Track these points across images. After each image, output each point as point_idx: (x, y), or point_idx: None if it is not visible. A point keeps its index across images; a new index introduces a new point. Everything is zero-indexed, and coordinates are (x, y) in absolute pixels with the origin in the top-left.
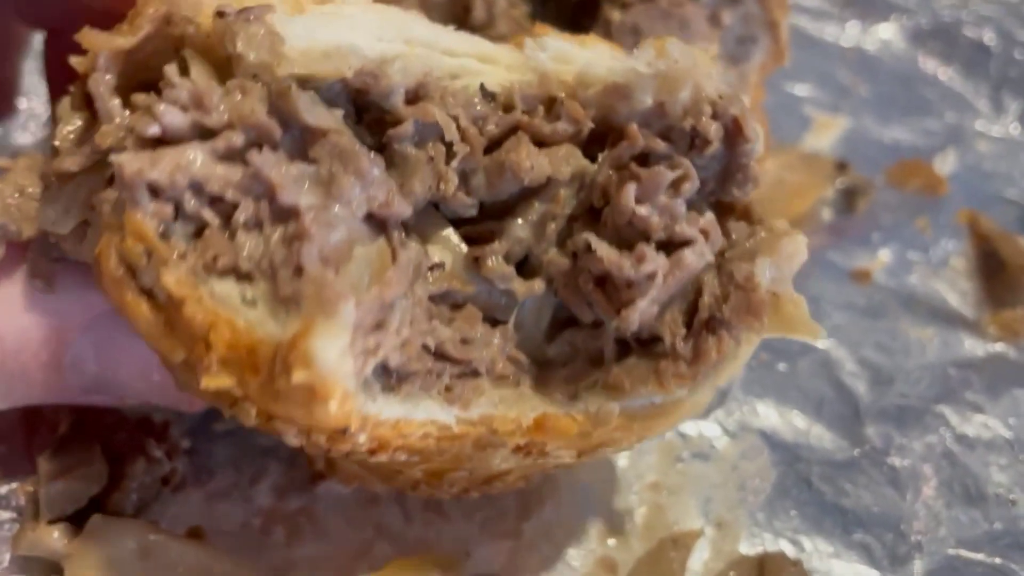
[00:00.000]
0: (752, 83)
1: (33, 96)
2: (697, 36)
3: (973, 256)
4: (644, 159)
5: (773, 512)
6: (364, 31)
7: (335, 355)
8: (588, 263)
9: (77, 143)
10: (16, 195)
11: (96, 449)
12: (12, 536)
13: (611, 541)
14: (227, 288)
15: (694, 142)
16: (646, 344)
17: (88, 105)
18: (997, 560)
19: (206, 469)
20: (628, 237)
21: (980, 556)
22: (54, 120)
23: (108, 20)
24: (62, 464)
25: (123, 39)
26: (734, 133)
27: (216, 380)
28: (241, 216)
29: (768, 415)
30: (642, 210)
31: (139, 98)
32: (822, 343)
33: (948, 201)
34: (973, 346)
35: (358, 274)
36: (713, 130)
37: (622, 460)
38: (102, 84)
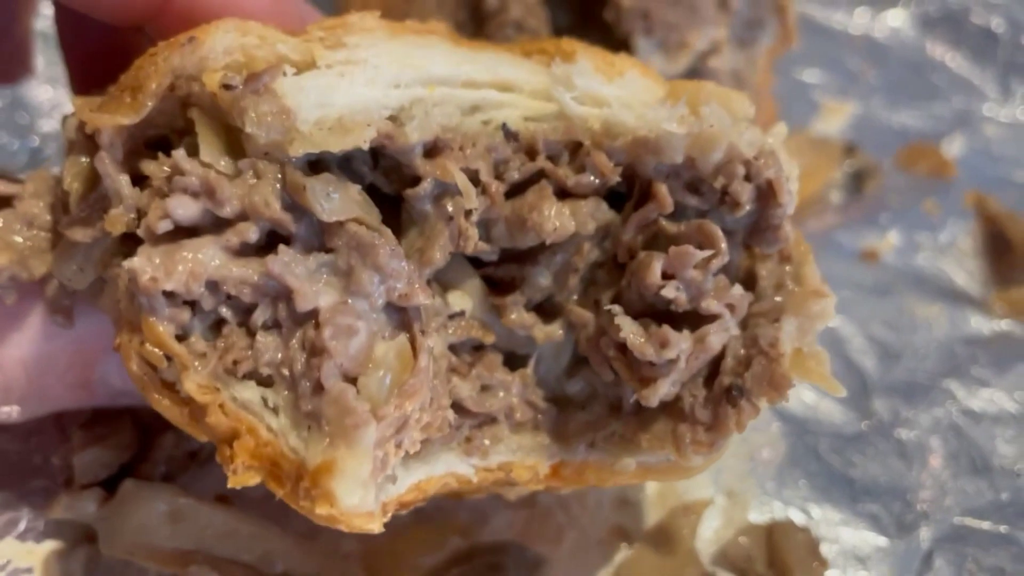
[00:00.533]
0: (760, 66)
1: (59, 85)
2: (706, 20)
3: (980, 236)
4: (673, 213)
5: (782, 482)
6: (379, 81)
7: (358, 496)
8: (611, 331)
9: (84, 204)
10: (25, 228)
11: (126, 420)
12: (47, 501)
13: (624, 510)
14: (249, 393)
15: (724, 199)
16: (678, 408)
17: (92, 151)
18: (1003, 528)
19: None
20: (652, 303)
21: (986, 524)
22: (65, 140)
23: None
24: (94, 433)
25: (126, 118)
26: (767, 196)
27: (242, 480)
28: (260, 318)
29: None
30: (668, 291)
31: (149, 167)
32: (831, 320)
33: (956, 183)
34: (980, 323)
35: (378, 386)
36: (746, 192)
37: None
38: (108, 164)
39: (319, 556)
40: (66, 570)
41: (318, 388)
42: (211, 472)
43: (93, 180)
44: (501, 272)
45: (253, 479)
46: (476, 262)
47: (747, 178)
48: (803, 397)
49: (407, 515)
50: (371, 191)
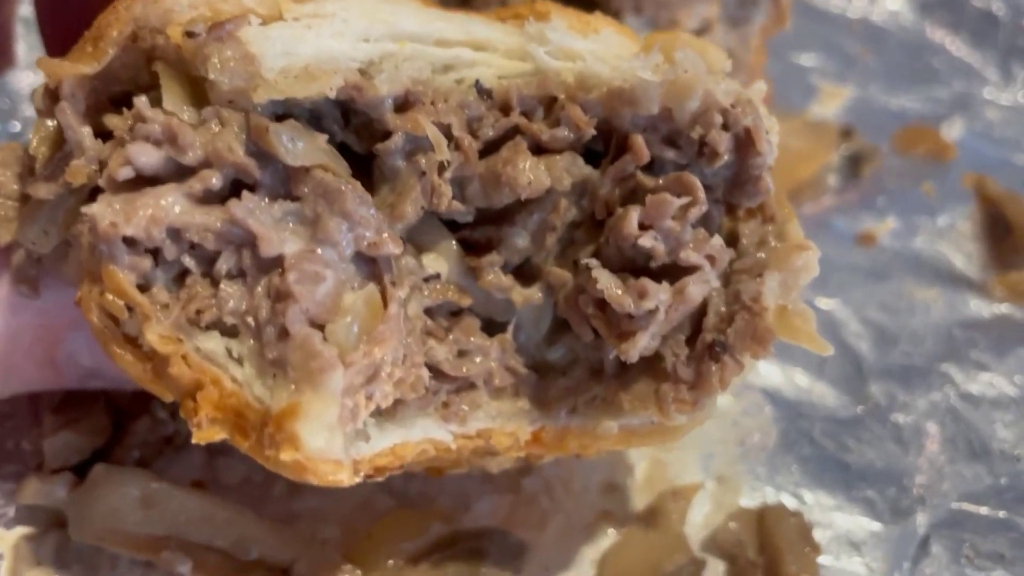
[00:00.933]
0: (753, 46)
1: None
2: None
3: (979, 219)
4: (649, 165)
5: (774, 467)
6: (348, 34)
7: (323, 438)
8: (588, 287)
9: (49, 164)
10: None
11: (99, 404)
12: (17, 487)
13: (612, 495)
14: (212, 343)
15: (703, 150)
16: (648, 359)
17: (55, 115)
18: (1001, 513)
19: None
20: (630, 257)
21: (984, 510)
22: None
23: None
24: (66, 417)
25: (88, 67)
26: (746, 145)
27: (206, 435)
28: (223, 266)
29: (770, 374)
30: (646, 239)
31: (113, 121)
32: (826, 304)
33: (955, 166)
34: (979, 307)
35: (346, 332)
36: (724, 142)
37: None
38: (69, 114)
39: (296, 542)
40: (36, 556)
41: (283, 334)
42: (187, 457)
43: (58, 142)
44: (477, 234)
45: (218, 434)
46: (452, 226)
47: (724, 127)
48: (797, 380)
49: (388, 500)
50: (343, 151)
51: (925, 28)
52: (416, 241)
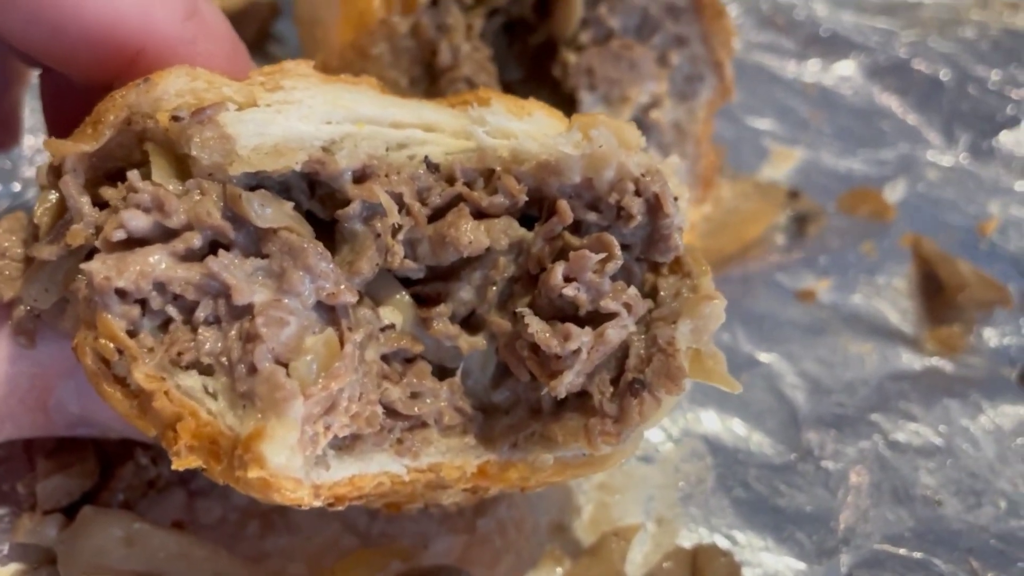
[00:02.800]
0: (700, 118)
1: (40, 133)
2: (646, 76)
3: (914, 277)
4: (576, 227)
5: (710, 510)
6: (312, 117)
7: (285, 456)
8: (523, 333)
9: (52, 231)
10: None
11: (89, 449)
12: (12, 526)
13: (559, 535)
14: (191, 381)
15: (620, 214)
16: (579, 396)
17: (58, 188)
18: (917, 555)
19: (189, 470)
20: (560, 307)
21: (902, 551)
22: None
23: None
24: (58, 462)
25: (87, 145)
26: (655, 207)
27: (184, 462)
28: (201, 314)
29: (710, 422)
30: (569, 290)
31: (108, 193)
32: (765, 357)
33: (895, 226)
34: (911, 360)
35: (307, 368)
36: (636, 206)
37: None
38: (71, 185)
39: None
40: None
41: (252, 370)
42: (168, 499)
43: (60, 212)
44: (428, 289)
45: (194, 461)
46: (406, 282)
47: (637, 193)
48: (735, 429)
49: (353, 540)
50: (309, 217)
51: (874, 93)
52: (374, 296)
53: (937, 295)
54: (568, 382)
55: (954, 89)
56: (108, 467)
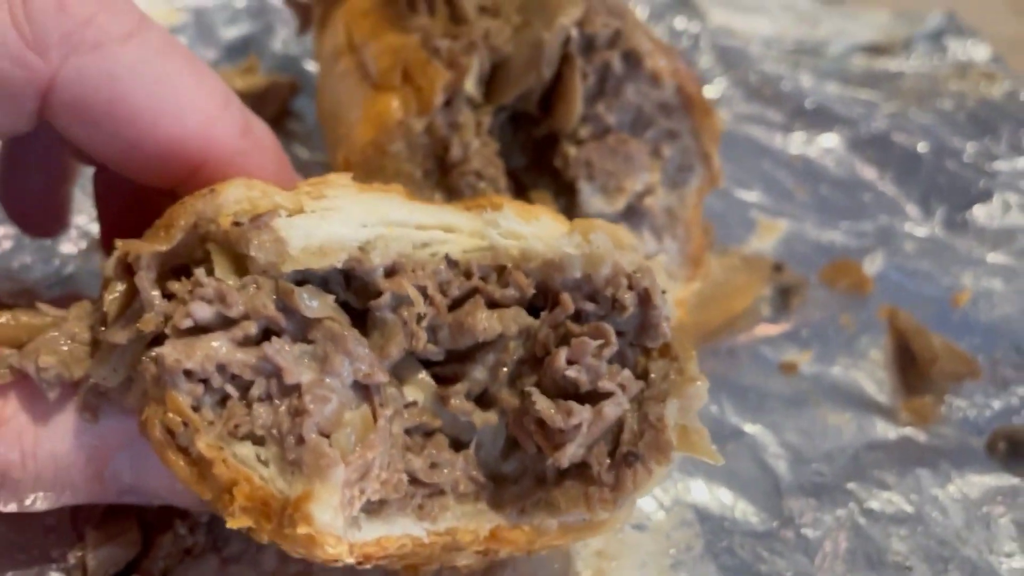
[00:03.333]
0: (690, 204)
1: (79, 212)
2: (640, 167)
3: (890, 349)
4: (577, 316)
5: (697, 574)
6: (350, 222)
7: (329, 516)
8: (530, 409)
9: (122, 318)
10: (69, 341)
11: (133, 520)
12: None
13: None
14: (246, 450)
15: (615, 305)
16: (580, 467)
17: (128, 278)
18: None
19: (222, 537)
20: (563, 387)
21: None
22: (103, 277)
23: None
24: (106, 532)
25: (162, 246)
26: (645, 300)
27: (239, 522)
28: (256, 392)
29: (699, 492)
30: (571, 372)
31: (175, 286)
32: (750, 428)
33: (872, 298)
34: (885, 429)
35: (346, 439)
36: (629, 299)
37: None
38: (145, 280)
39: None
40: None
41: (300, 440)
42: (202, 565)
43: (128, 301)
44: (446, 370)
45: (247, 521)
46: (427, 364)
47: (629, 287)
48: (722, 498)
49: None
50: (344, 307)
51: (855, 165)
52: (399, 375)
53: (911, 367)
54: (571, 453)
55: (932, 162)
56: (149, 536)
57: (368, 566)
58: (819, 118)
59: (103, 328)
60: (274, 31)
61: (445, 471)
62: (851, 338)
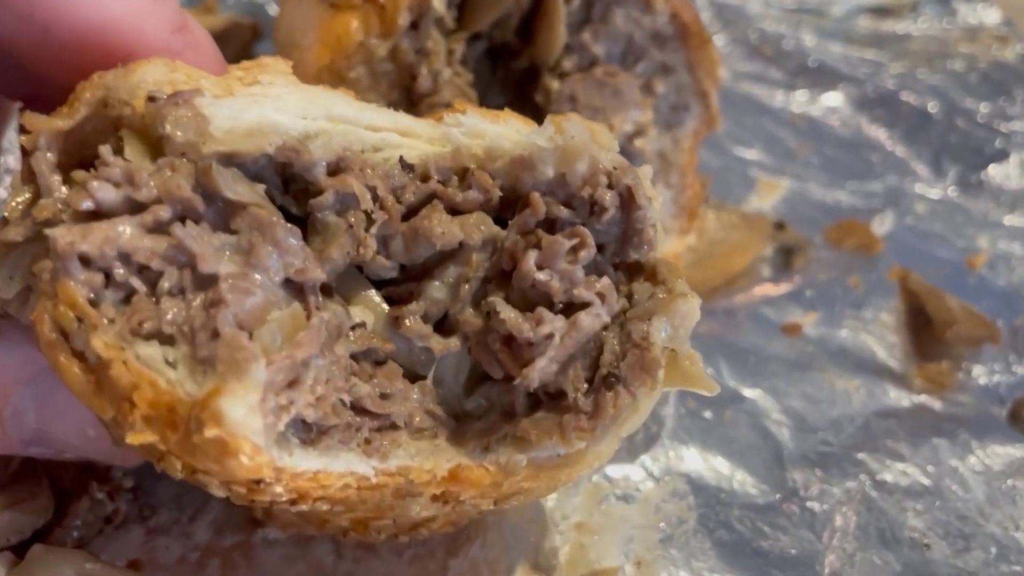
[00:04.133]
0: (686, 148)
1: (8, 153)
2: (630, 104)
3: (902, 312)
4: (550, 225)
5: (691, 552)
6: (288, 111)
7: (243, 413)
8: (495, 325)
9: (22, 215)
10: None
11: (44, 484)
12: None
13: None
14: (150, 351)
15: (593, 209)
16: (554, 398)
17: (33, 180)
18: None
19: (149, 505)
20: (532, 300)
21: None
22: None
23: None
24: (11, 497)
25: (62, 121)
26: (628, 201)
27: (140, 436)
28: (166, 283)
29: (693, 460)
30: (541, 275)
31: (78, 175)
32: (750, 393)
33: (882, 259)
34: (898, 397)
35: (271, 336)
36: (608, 198)
37: (549, 501)
38: (43, 162)
39: None
40: None
41: (214, 335)
42: (124, 537)
43: (33, 200)
44: (400, 289)
45: (149, 436)
46: (380, 285)
47: (609, 186)
48: (718, 467)
49: None
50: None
51: (862, 124)
52: (345, 294)
53: (925, 331)
54: (541, 368)
55: (942, 122)
56: (63, 503)
57: (304, 507)
58: (823, 76)
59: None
60: None
61: (398, 402)
62: (859, 300)
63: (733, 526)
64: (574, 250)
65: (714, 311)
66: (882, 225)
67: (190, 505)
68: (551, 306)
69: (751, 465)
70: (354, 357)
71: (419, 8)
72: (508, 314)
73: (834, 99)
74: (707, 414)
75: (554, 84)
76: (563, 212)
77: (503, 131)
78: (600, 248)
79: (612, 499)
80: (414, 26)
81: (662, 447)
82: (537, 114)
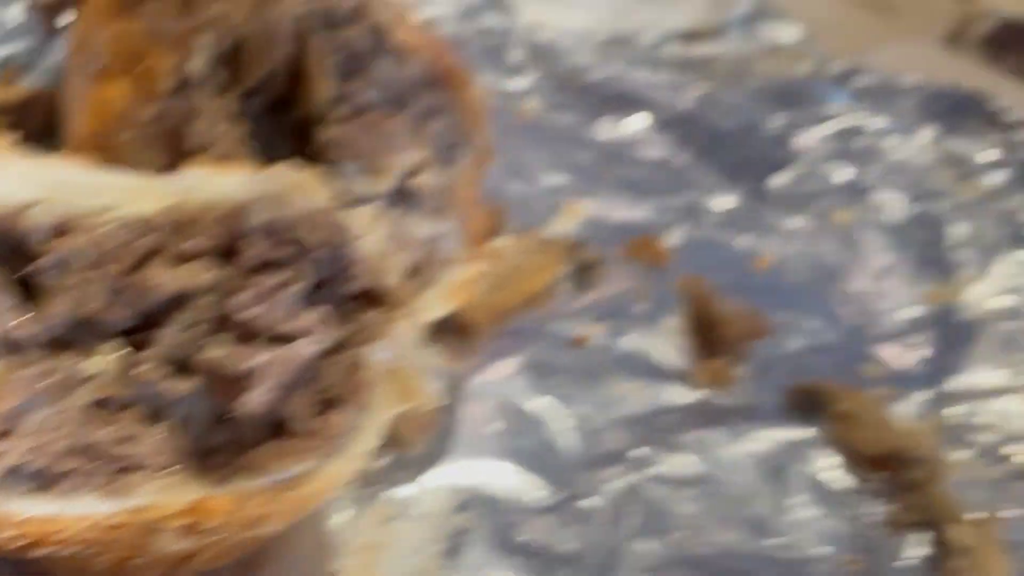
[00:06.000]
0: (465, 182)
1: None
2: (401, 146)
3: (686, 316)
4: (266, 266)
5: (477, 562)
6: (7, 182)
7: None
8: (215, 365)
9: None
10: None
11: None
12: None
13: None
14: None
15: (302, 249)
16: (280, 425)
17: None
18: None
19: None
20: (250, 336)
21: None
22: None
23: None
24: None
25: None
26: (334, 239)
27: None
28: None
29: (480, 472)
30: (250, 313)
31: None
32: (537, 403)
33: (671, 270)
34: (680, 395)
35: None
36: (315, 238)
37: (335, 526)
38: None
39: None
40: None
41: None
42: None
43: None
44: (138, 337)
45: None
46: (113, 334)
47: (317, 229)
48: (506, 476)
49: None
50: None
51: (663, 145)
52: (84, 348)
53: (707, 332)
54: (255, 399)
55: (737, 137)
56: None
57: (44, 551)
58: (626, 102)
59: None
60: (56, 47)
61: (140, 444)
62: (647, 309)
63: (520, 529)
64: (284, 286)
65: (509, 331)
66: (673, 238)
67: None
68: (266, 341)
69: (539, 470)
70: (93, 405)
71: (180, 73)
72: (215, 352)
73: (637, 122)
74: (496, 425)
75: (326, 132)
76: (275, 253)
77: (226, 182)
78: (322, 283)
79: (398, 517)
80: (179, 89)
81: (452, 461)
82: (315, 161)
